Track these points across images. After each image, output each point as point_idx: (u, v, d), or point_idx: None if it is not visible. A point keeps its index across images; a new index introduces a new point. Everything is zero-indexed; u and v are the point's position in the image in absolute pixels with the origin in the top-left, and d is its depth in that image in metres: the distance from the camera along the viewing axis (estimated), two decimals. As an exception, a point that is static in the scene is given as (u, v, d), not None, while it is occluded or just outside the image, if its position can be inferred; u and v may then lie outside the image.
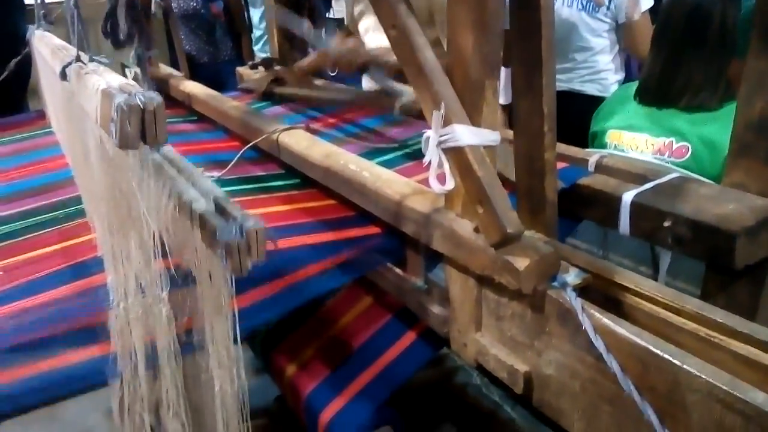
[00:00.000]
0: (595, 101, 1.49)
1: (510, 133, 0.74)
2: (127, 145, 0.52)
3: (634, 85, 1.32)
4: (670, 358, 0.47)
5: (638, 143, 1.25)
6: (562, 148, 0.93)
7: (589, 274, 0.61)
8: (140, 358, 0.64)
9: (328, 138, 1.09)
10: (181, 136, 1.30)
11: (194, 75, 1.72)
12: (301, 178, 1.00)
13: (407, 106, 1.14)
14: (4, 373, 0.63)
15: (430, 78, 0.64)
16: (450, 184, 0.64)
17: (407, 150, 1.09)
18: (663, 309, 0.57)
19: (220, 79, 2.22)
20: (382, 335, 0.88)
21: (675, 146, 1.20)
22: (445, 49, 0.67)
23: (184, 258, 0.61)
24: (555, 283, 0.58)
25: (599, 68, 1.75)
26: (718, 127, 1.15)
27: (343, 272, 0.78)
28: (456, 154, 0.62)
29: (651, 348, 0.49)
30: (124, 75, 1.81)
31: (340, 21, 2.32)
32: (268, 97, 1.53)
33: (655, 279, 1.18)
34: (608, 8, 1.70)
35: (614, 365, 0.50)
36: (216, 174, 0.99)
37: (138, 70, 1.13)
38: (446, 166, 0.63)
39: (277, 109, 1.46)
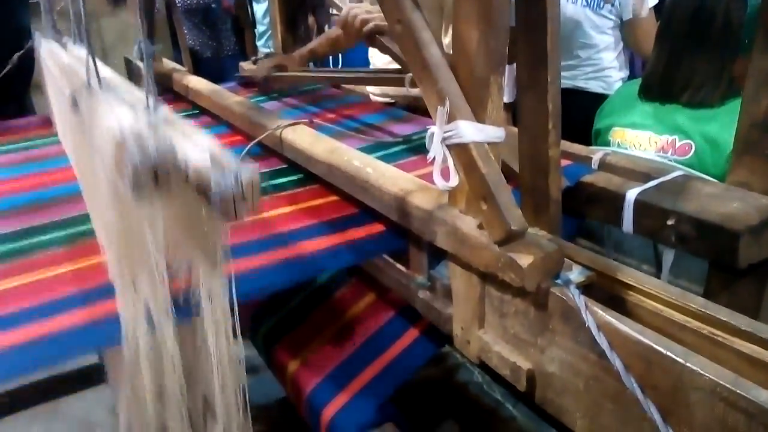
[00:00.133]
0: (599, 99, 1.49)
1: (514, 129, 0.74)
2: (141, 197, 0.52)
3: (637, 83, 1.32)
4: (674, 356, 0.47)
5: (641, 141, 1.25)
6: (566, 145, 0.93)
7: (593, 272, 0.61)
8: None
9: (331, 133, 1.09)
10: (184, 131, 1.30)
11: (197, 70, 1.72)
12: (304, 173, 1.00)
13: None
14: None
15: (435, 74, 0.64)
16: (454, 180, 0.63)
17: (410, 145, 1.09)
18: (667, 307, 0.57)
19: (223, 74, 2.22)
20: (385, 332, 0.88)
21: (678, 144, 1.19)
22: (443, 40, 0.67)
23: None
24: (558, 281, 0.58)
25: (603, 65, 1.74)
26: (721, 124, 1.15)
27: (345, 255, 0.77)
28: (460, 151, 0.62)
29: (654, 346, 0.49)
30: (129, 70, 1.81)
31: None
32: (267, 89, 1.53)
33: (658, 278, 1.18)
34: (613, 5, 1.70)
35: (617, 363, 0.50)
36: None
37: (142, 65, 1.12)
38: (450, 162, 0.63)
39: (279, 104, 1.46)
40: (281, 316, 0.97)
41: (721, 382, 0.44)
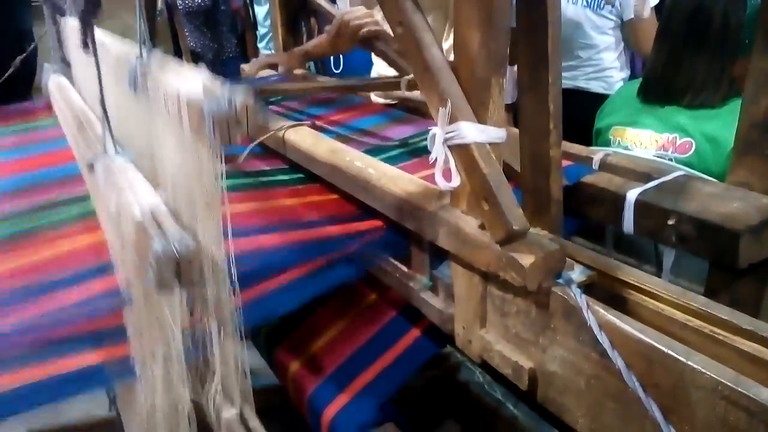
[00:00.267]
0: (600, 99, 1.49)
1: (515, 130, 0.75)
2: (164, 289, 0.55)
3: (637, 83, 1.33)
4: (675, 355, 0.48)
5: (642, 139, 1.25)
6: (567, 146, 0.94)
7: (594, 272, 0.61)
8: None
9: (332, 135, 1.09)
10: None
11: (198, 72, 1.71)
12: (305, 173, 1.00)
13: (414, 83, 1.14)
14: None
15: (436, 75, 0.64)
16: (456, 181, 0.64)
17: (410, 147, 1.09)
18: (668, 306, 0.58)
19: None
20: (386, 332, 0.88)
21: (678, 142, 1.20)
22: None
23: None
24: (560, 280, 0.58)
25: (604, 66, 1.75)
26: (721, 123, 1.15)
27: (349, 268, 0.78)
28: (462, 151, 0.62)
29: (656, 345, 0.49)
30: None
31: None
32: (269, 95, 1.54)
33: (659, 277, 1.18)
34: (613, 5, 1.70)
35: (619, 362, 0.50)
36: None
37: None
38: (452, 163, 0.64)
39: (280, 107, 1.46)
40: (283, 316, 0.98)
41: (722, 380, 0.45)
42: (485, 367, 1.28)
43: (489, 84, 0.63)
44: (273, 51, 1.92)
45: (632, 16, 1.69)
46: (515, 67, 0.72)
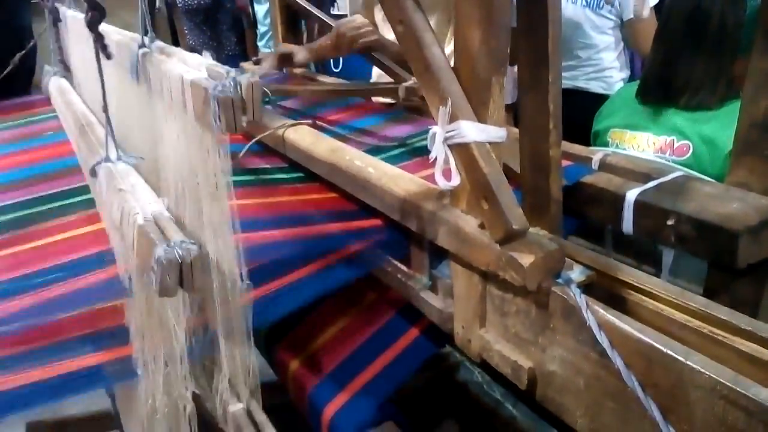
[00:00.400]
0: (600, 99, 1.49)
1: (515, 130, 0.75)
2: (167, 294, 0.56)
3: (635, 85, 1.33)
4: (674, 355, 0.48)
5: (640, 142, 1.25)
6: (566, 146, 0.94)
7: (594, 272, 0.61)
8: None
9: (331, 135, 1.09)
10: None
11: (198, 70, 1.71)
12: (304, 172, 1.00)
13: (411, 90, 1.15)
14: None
15: (437, 74, 0.64)
16: (456, 180, 0.64)
17: (410, 147, 1.09)
18: (667, 306, 0.58)
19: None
20: (386, 331, 0.88)
21: (676, 144, 1.20)
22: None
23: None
24: (559, 280, 0.58)
25: (604, 66, 1.75)
26: (719, 125, 1.15)
27: (347, 269, 0.78)
28: (462, 151, 0.62)
29: (655, 344, 0.49)
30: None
31: (343, 17, 2.32)
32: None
33: (658, 278, 1.18)
34: (612, 5, 1.70)
35: (618, 361, 0.50)
36: None
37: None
38: (452, 162, 0.64)
39: (280, 106, 1.46)
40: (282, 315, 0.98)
41: (721, 380, 0.45)
42: (484, 366, 1.29)
43: (489, 83, 0.63)
44: (272, 50, 1.92)
45: (632, 16, 1.69)
46: (515, 67, 0.72)
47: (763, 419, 0.43)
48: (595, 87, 1.76)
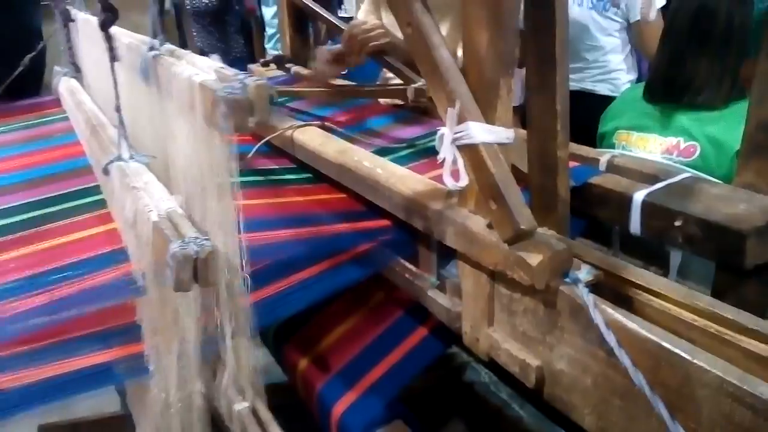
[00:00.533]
0: (607, 101, 1.50)
1: (522, 132, 0.75)
2: (182, 289, 0.57)
3: (641, 86, 1.33)
4: (681, 353, 0.48)
5: (647, 143, 1.25)
6: (574, 147, 0.94)
7: (601, 272, 0.62)
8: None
9: (339, 136, 1.10)
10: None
11: (206, 72, 1.72)
12: (313, 172, 1.01)
13: (420, 91, 1.15)
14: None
15: (445, 76, 0.65)
16: (464, 180, 0.64)
17: (418, 148, 1.10)
18: (674, 306, 0.58)
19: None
20: (394, 331, 0.89)
21: (683, 146, 1.20)
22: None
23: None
24: (567, 280, 0.59)
25: (611, 68, 1.75)
26: (725, 126, 1.16)
27: (356, 269, 0.79)
28: (470, 152, 0.63)
29: (662, 343, 0.50)
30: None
31: (350, 20, 2.33)
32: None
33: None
34: (619, 7, 1.70)
35: (626, 360, 0.50)
36: None
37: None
38: (460, 163, 0.64)
39: (288, 107, 1.47)
40: (291, 315, 0.99)
41: (727, 378, 0.45)
42: (491, 367, 1.29)
43: (497, 85, 0.64)
44: (280, 52, 1.93)
45: (638, 17, 1.70)
46: (523, 69, 0.73)
47: (770, 417, 0.43)
48: (602, 89, 1.76)
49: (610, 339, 0.52)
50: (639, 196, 0.80)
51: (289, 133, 1.04)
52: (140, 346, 0.69)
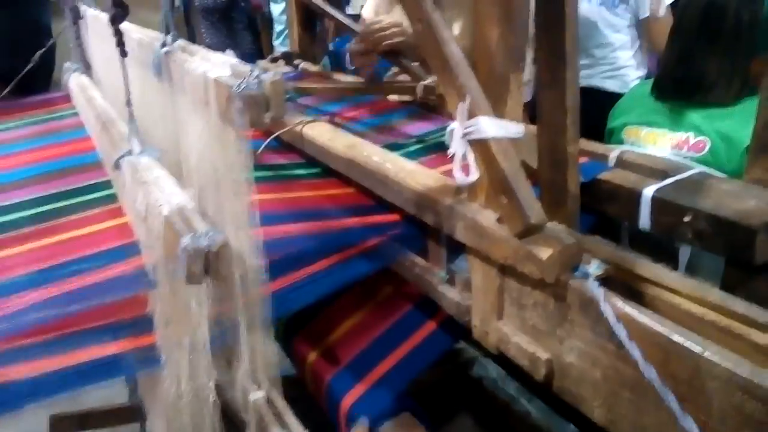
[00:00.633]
0: (616, 98, 1.49)
1: (532, 127, 0.76)
2: (193, 282, 0.58)
3: (650, 82, 1.33)
4: (692, 346, 0.48)
5: (656, 139, 1.25)
6: (583, 143, 0.94)
7: (611, 266, 0.62)
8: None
9: (349, 131, 1.11)
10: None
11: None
12: (322, 167, 1.02)
13: (429, 88, 1.16)
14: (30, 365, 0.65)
15: (455, 71, 0.65)
16: (474, 175, 0.65)
17: (426, 144, 1.10)
18: (684, 299, 0.58)
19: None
20: (403, 324, 0.90)
21: (693, 141, 1.20)
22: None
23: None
24: (577, 273, 0.59)
25: (620, 64, 1.74)
26: (736, 122, 1.15)
27: (365, 263, 0.80)
28: (481, 146, 0.63)
29: (672, 336, 0.50)
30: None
31: (356, 17, 2.33)
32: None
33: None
34: (628, 3, 1.70)
35: (636, 353, 0.51)
36: None
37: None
38: (470, 157, 0.65)
39: (297, 103, 1.47)
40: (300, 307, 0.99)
41: (738, 371, 0.45)
42: (499, 362, 1.29)
43: (507, 80, 0.64)
44: (288, 48, 1.94)
45: (647, 14, 1.69)
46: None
47: (781, 409, 0.43)
48: (611, 85, 1.75)
49: (620, 332, 0.52)
50: (648, 191, 0.81)
51: (298, 128, 1.05)
52: (152, 337, 0.70)
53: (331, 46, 2.14)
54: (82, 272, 0.77)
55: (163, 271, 0.66)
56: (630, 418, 0.54)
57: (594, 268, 0.60)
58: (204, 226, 0.59)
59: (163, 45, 0.82)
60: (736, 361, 0.46)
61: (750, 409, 0.45)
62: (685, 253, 1.10)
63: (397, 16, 1.42)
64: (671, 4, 1.66)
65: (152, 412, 0.89)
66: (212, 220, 0.67)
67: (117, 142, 0.92)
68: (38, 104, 1.59)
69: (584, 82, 1.72)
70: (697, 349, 0.48)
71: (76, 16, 1.57)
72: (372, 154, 0.88)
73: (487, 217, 0.66)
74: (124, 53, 0.73)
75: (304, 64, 1.64)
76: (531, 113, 0.88)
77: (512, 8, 0.62)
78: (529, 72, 1.26)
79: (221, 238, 0.57)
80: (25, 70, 1.67)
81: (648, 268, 0.63)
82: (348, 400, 0.82)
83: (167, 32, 0.81)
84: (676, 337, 0.49)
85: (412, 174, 0.80)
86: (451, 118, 0.67)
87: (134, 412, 1.28)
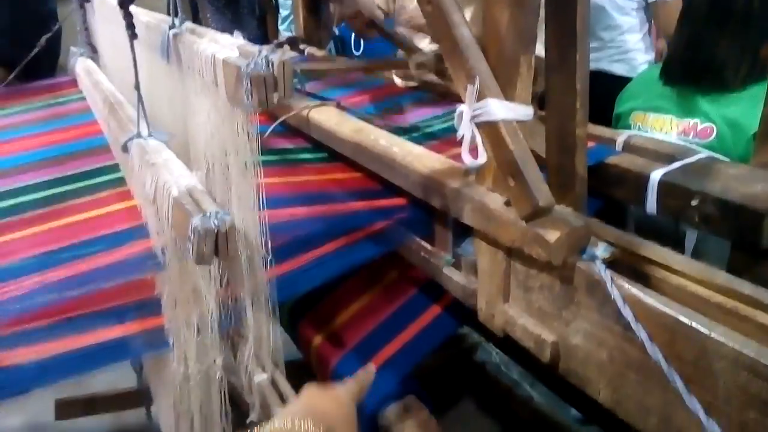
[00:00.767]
0: (623, 82, 1.48)
1: (539, 112, 0.75)
2: (203, 262, 0.58)
3: (658, 67, 1.32)
4: (698, 327, 0.49)
5: (663, 124, 1.24)
6: (590, 127, 0.93)
7: (618, 249, 0.62)
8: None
9: (355, 116, 1.10)
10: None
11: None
12: (328, 152, 1.02)
13: (423, 65, 1.15)
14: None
15: (465, 53, 0.65)
16: (482, 158, 0.65)
17: (433, 129, 1.10)
18: (690, 282, 0.58)
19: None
20: (408, 308, 0.90)
21: (700, 127, 1.19)
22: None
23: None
24: (584, 256, 0.59)
25: (628, 48, 1.72)
26: (743, 108, 1.14)
27: (371, 246, 0.80)
28: (489, 129, 0.63)
29: (679, 317, 0.50)
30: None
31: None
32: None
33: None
34: None
35: (642, 334, 0.51)
36: None
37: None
38: (479, 140, 0.65)
39: (303, 88, 1.47)
40: (306, 291, 1.00)
41: (744, 351, 0.46)
42: (502, 347, 1.30)
43: (517, 62, 0.64)
44: (294, 33, 1.93)
45: (657, -3, 1.67)
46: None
47: (786, 389, 0.44)
48: (619, 69, 1.73)
49: (627, 313, 0.53)
50: (656, 175, 0.80)
51: (304, 112, 1.04)
52: (159, 319, 0.70)
53: (336, 31, 2.12)
54: (90, 255, 0.77)
55: (172, 252, 0.66)
56: (635, 399, 0.54)
57: (601, 250, 0.60)
58: (213, 207, 0.59)
59: (171, 27, 0.81)
60: (742, 341, 0.46)
61: (756, 389, 0.45)
62: (690, 239, 1.10)
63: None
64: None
65: (158, 396, 0.90)
66: (220, 202, 0.67)
67: (125, 125, 0.92)
68: (44, 89, 1.59)
69: (592, 66, 1.68)
70: (703, 329, 0.48)
71: (83, 0, 1.57)
72: (379, 138, 0.88)
73: (495, 200, 0.66)
74: (134, 35, 0.73)
75: (309, 49, 1.63)
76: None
77: (522, -10, 0.61)
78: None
79: (230, 219, 0.57)
80: (31, 54, 1.66)
81: (655, 251, 0.63)
82: (354, 383, 0.82)
83: (175, 14, 0.81)
84: (683, 318, 0.50)
85: (419, 158, 0.80)
86: (459, 102, 0.66)
87: (140, 397, 1.29)
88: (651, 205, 0.81)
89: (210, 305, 0.66)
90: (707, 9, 1.17)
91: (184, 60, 0.77)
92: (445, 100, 1.24)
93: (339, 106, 1.08)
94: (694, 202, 0.76)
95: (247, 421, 0.71)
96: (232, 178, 0.67)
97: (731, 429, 0.46)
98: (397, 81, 1.56)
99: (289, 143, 1.09)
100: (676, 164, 0.83)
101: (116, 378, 1.46)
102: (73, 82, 1.57)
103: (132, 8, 0.80)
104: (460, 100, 0.67)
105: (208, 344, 0.68)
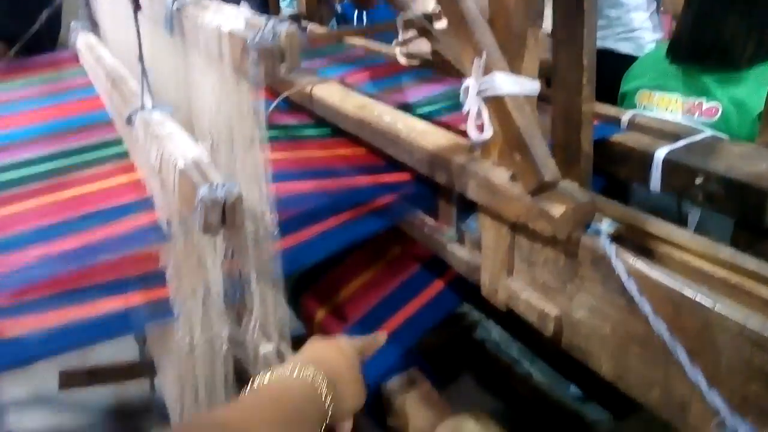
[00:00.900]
0: (630, 61, 1.47)
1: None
2: (210, 232, 0.58)
3: (664, 46, 1.31)
4: (702, 301, 0.49)
5: (669, 103, 1.24)
6: (596, 105, 0.93)
7: (622, 225, 0.62)
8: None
9: (359, 92, 1.10)
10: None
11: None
12: (332, 128, 1.01)
13: (411, 23, 1.14)
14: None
15: (471, 27, 0.64)
16: (488, 132, 0.65)
17: (437, 106, 1.10)
18: (695, 257, 0.59)
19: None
20: (411, 283, 0.91)
21: (705, 106, 1.19)
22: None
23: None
24: (589, 231, 0.59)
25: (634, 26, 1.71)
26: (749, 87, 1.14)
27: (375, 221, 0.80)
28: (496, 103, 0.63)
29: (683, 291, 0.50)
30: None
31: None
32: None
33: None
34: None
35: (646, 307, 0.51)
36: None
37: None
38: (485, 114, 0.64)
39: (306, 64, 1.46)
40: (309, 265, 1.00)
41: (748, 324, 0.46)
42: (502, 324, 1.31)
43: (525, 36, 0.63)
44: (296, 10, 1.91)
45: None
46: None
47: (789, 362, 0.44)
48: (625, 48, 1.72)
49: (631, 287, 0.53)
50: (660, 153, 0.80)
51: (308, 88, 1.04)
52: (163, 291, 0.71)
53: (338, 8, 2.10)
54: (94, 227, 0.77)
55: (178, 223, 0.66)
56: (638, 372, 0.55)
57: (606, 226, 0.60)
58: (220, 178, 0.59)
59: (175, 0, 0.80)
60: (746, 314, 0.47)
61: (759, 363, 0.46)
62: (693, 219, 1.10)
63: None
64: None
65: (163, 367, 0.90)
66: (226, 175, 0.67)
67: (128, 98, 0.91)
68: (45, 64, 1.58)
69: (598, 44, 1.68)
70: (707, 302, 0.48)
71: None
72: (383, 113, 0.88)
73: (500, 175, 0.66)
74: (138, 6, 0.72)
75: (311, 26, 1.62)
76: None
77: (530, -38, 0.61)
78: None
79: (237, 190, 0.57)
80: (32, 29, 1.64)
81: (659, 226, 0.63)
82: (357, 357, 0.83)
83: None
84: (687, 291, 0.50)
85: (423, 134, 0.80)
86: (464, 78, 0.66)
87: (144, 368, 1.30)
88: (655, 183, 0.81)
89: (216, 274, 0.66)
90: None
91: (188, 33, 0.77)
92: (448, 77, 1.23)
93: (342, 82, 1.07)
94: (698, 181, 0.76)
95: None
96: (237, 150, 0.66)
97: (733, 401, 0.47)
98: (401, 59, 1.54)
99: (292, 119, 1.09)
100: (681, 142, 0.82)
101: (120, 350, 1.47)
102: (75, 57, 1.56)
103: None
104: (462, 77, 0.66)
105: (214, 315, 0.68)
